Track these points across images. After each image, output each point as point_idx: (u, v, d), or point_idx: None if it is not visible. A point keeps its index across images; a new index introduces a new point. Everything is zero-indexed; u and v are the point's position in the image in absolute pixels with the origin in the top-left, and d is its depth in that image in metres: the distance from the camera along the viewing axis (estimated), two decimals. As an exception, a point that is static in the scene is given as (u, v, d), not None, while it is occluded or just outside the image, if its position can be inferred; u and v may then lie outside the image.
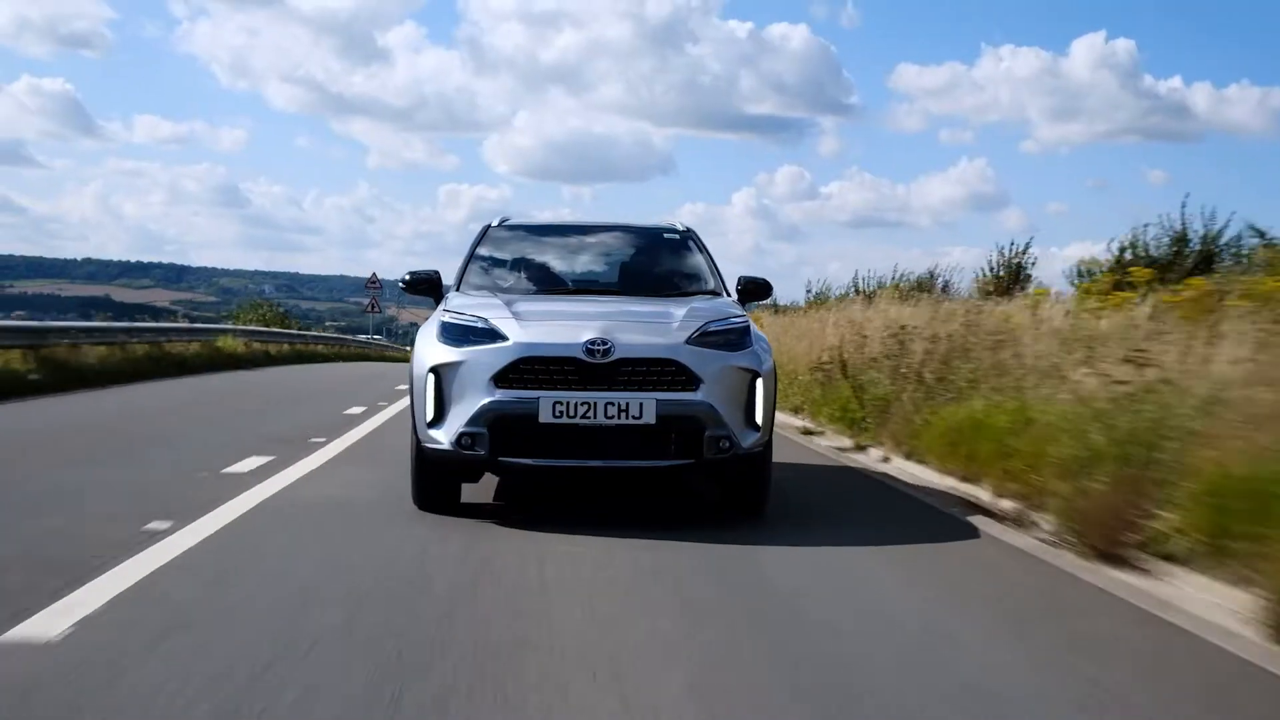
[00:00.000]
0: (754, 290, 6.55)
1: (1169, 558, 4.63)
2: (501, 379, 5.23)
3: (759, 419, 5.46)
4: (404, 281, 6.47)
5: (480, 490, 6.10)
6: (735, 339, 5.54)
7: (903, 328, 9.90)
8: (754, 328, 5.77)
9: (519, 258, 6.80)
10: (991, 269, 14.88)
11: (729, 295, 6.49)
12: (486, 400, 5.22)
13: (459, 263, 6.63)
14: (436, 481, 5.62)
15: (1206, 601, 4.18)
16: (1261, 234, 10.37)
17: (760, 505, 5.77)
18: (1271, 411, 4.75)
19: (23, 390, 12.23)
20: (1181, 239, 11.87)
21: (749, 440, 5.40)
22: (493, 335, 5.35)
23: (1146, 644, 3.76)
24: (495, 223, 7.02)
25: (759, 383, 5.48)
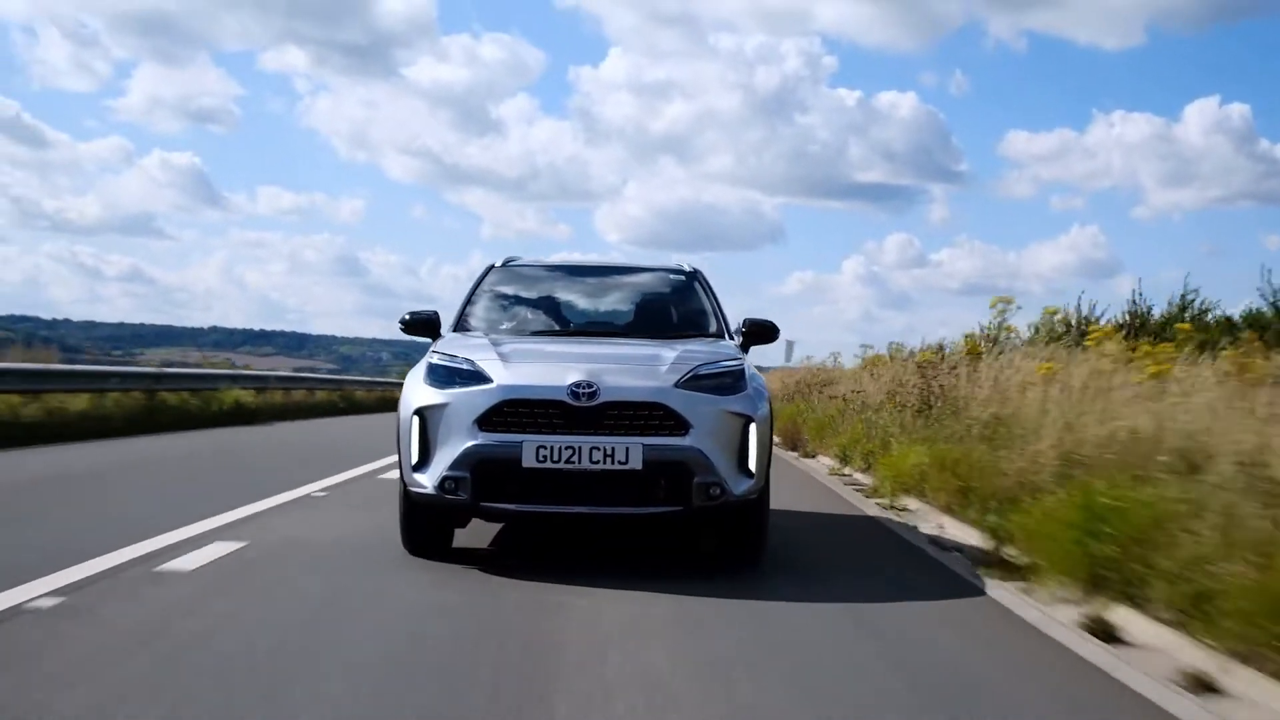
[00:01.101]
0: (759, 333, 6.37)
1: None
2: (485, 422, 5.11)
3: (752, 465, 5.27)
4: (403, 322, 6.38)
5: (478, 535, 5.98)
6: (729, 383, 5.37)
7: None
8: (750, 371, 5.61)
9: (518, 298, 6.70)
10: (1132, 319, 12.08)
11: (732, 338, 6.34)
12: (470, 444, 5.09)
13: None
14: (425, 526, 5.51)
15: None
16: None
17: (757, 555, 5.59)
18: None
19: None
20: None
21: (742, 487, 5.21)
22: (477, 377, 5.24)
23: None
24: (499, 263, 6.94)
25: (753, 428, 5.30)
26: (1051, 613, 4.73)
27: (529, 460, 5.01)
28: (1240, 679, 3.67)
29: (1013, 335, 10.66)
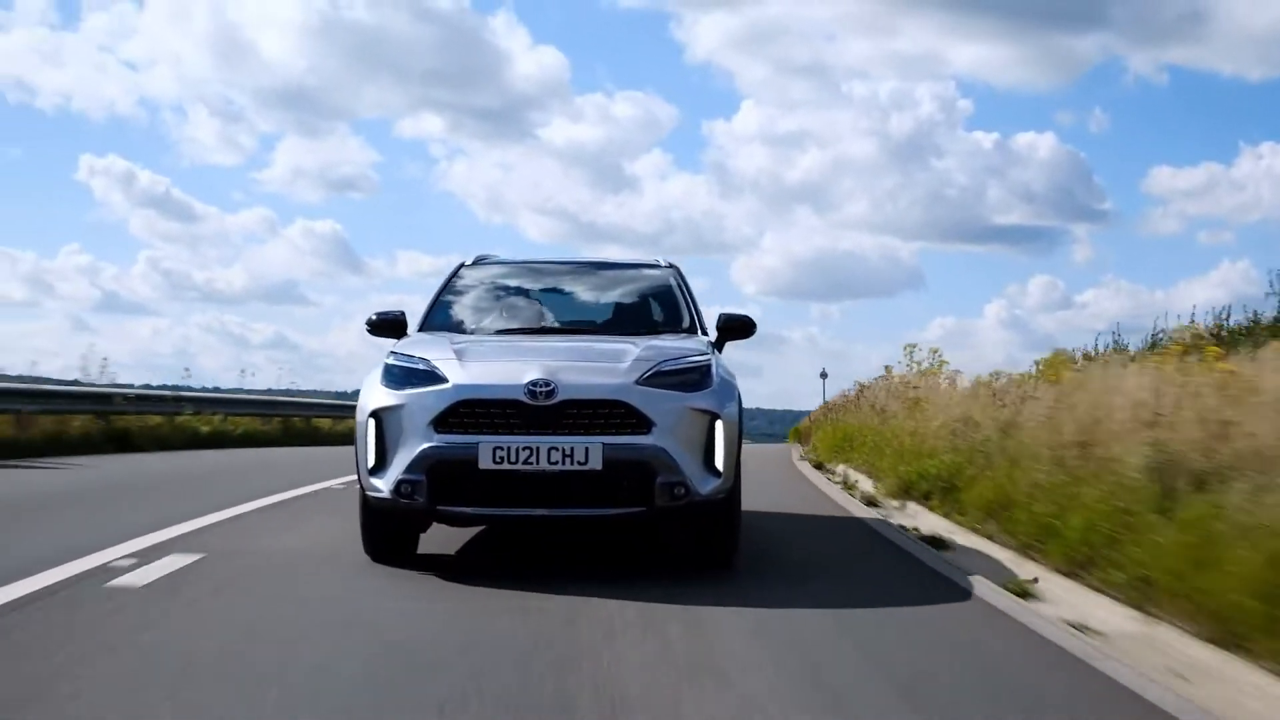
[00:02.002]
0: (735, 328, 6.20)
1: None
2: (441, 423, 4.95)
3: (719, 464, 5.09)
4: (369, 323, 6.21)
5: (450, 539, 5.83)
6: (694, 379, 5.19)
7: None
8: (718, 367, 5.42)
9: (487, 296, 6.53)
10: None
11: (705, 334, 6.16)
12: (425, 446, 4.94)
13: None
14: (384, 531, 5.36)
15: None
16: None
17: (728, 556, 5.41)
18: None
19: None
20: None
21: (708, 487, 5.03)
22: (433, 377, 5.08)
23: None
24: (469, 261, 6.78)
25: (719, 425, 5.11)
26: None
27: (486, 462, 4.85)
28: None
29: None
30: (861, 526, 7.65)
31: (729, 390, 5.33)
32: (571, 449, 4.85)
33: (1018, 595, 4.95)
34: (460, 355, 5.21)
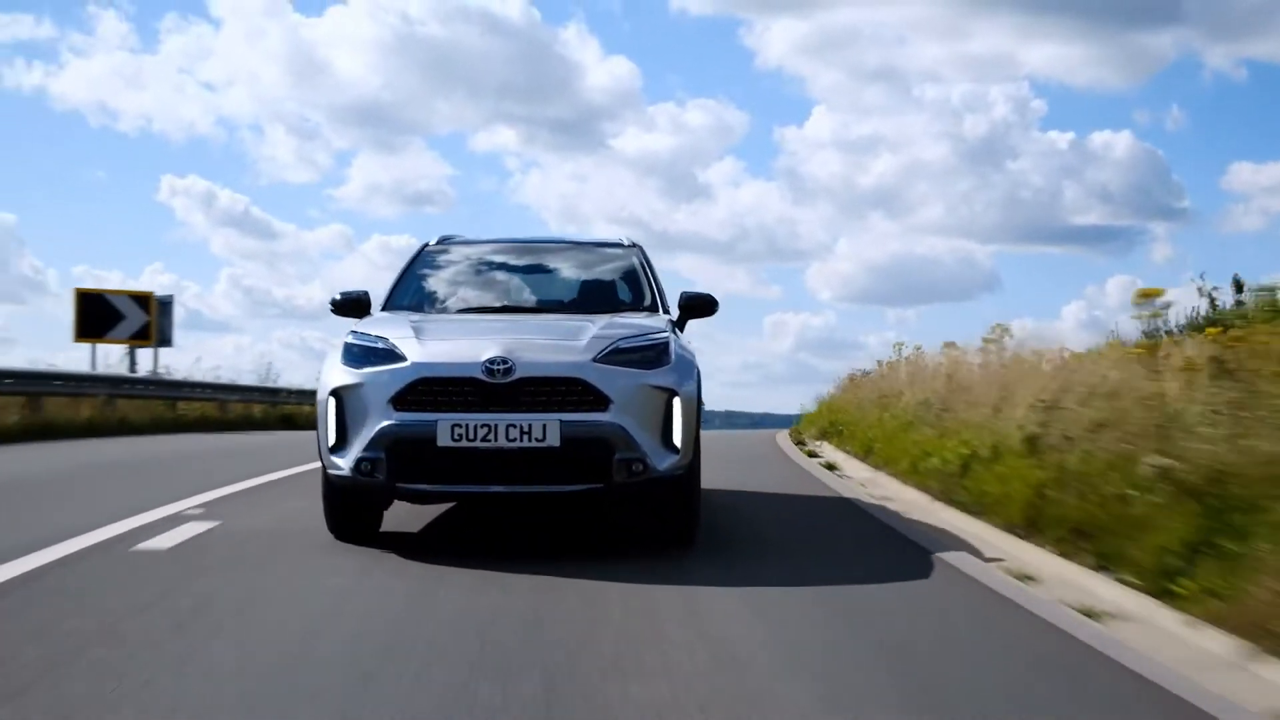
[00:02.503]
0: (696, 307, 6.25)
1: None
2: (400, 401, 4.98)
3: (677, 441, 5.14)
4: (333, 302, 6.23)
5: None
6: (652, 356, 5.22)
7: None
8: (678, 345, 5.46)
9: (448, 276, 6.55)
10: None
11: (667, 312, 6.20)
12: (384, 424, 4.97)
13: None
14: (346, 509, 5.40)
15: None
16: None
17: (689, 533, 5.45)
18: None
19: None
20: None
21: (666, 463, 5.07)
22: (392, 356, 5.10)
23: None
24: (433, 241, 6.80)
25: (677, 402, 5.15)
26: None
27: (444, 439, 4.88)
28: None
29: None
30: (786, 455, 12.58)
31: (687, 368, 5.37)
32: (529, 426, 4.89)
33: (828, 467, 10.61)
34: (419, 334, 5.24)
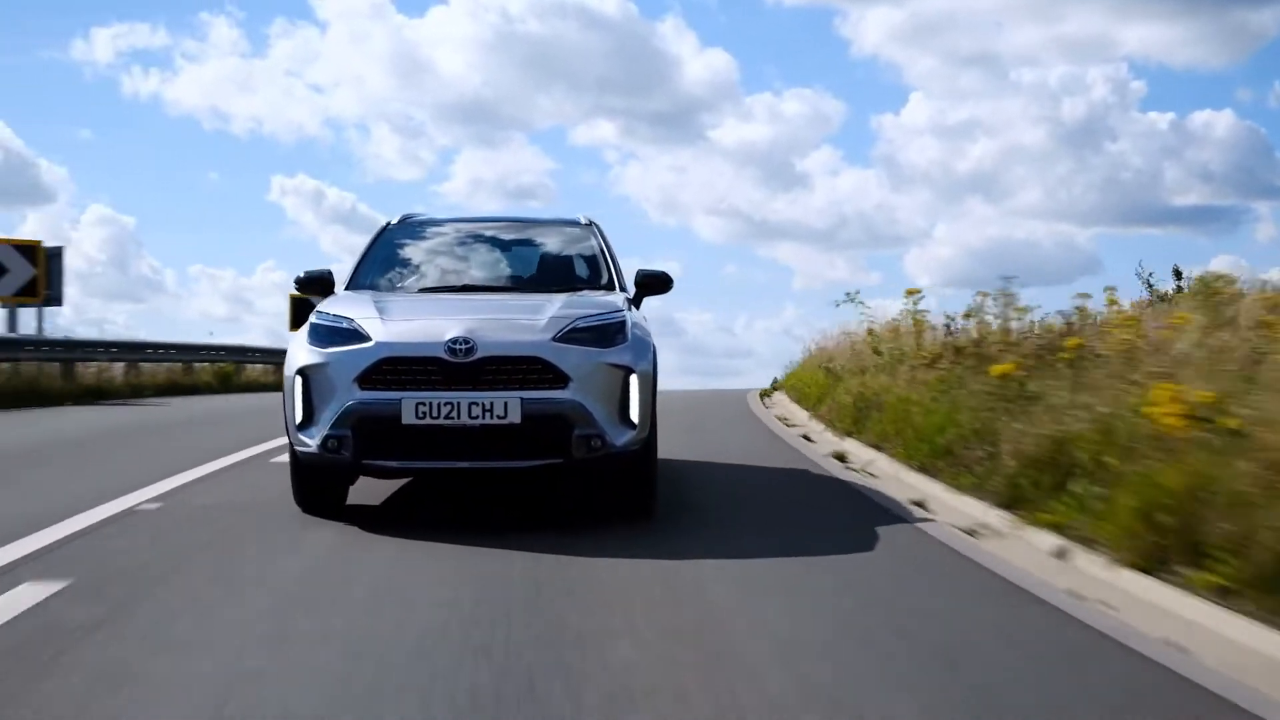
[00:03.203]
0: (652, 284, 6.43)
1: None
2: (365, 380, 5.14)
3: (634, 416, 5.34)
4: (297, 281, 6.35)
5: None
6: (609, 334, 5.40)
7: None
8: (634, 323, 5.64)
9: (410, 256, 6.68)
10: None
11: (624, 289, 6.37)
12: (350, 402, 5.13)
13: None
14: (314, 485, 5.56)
15: None
16: None
17: (647, 506, 5.65)
18: None
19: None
20: None
21: (623, 439, 5.28)
22: (357, 335, 5.26)
23: None
24: (395, 220, 6.92)
25: (634, 379, 5.35)
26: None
27: (409, 417, 5.05)
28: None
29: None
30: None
31: (644, 346, 5.56)
32: (491, 404, 5.07)
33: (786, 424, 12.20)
34: (382, 313, 5.39)
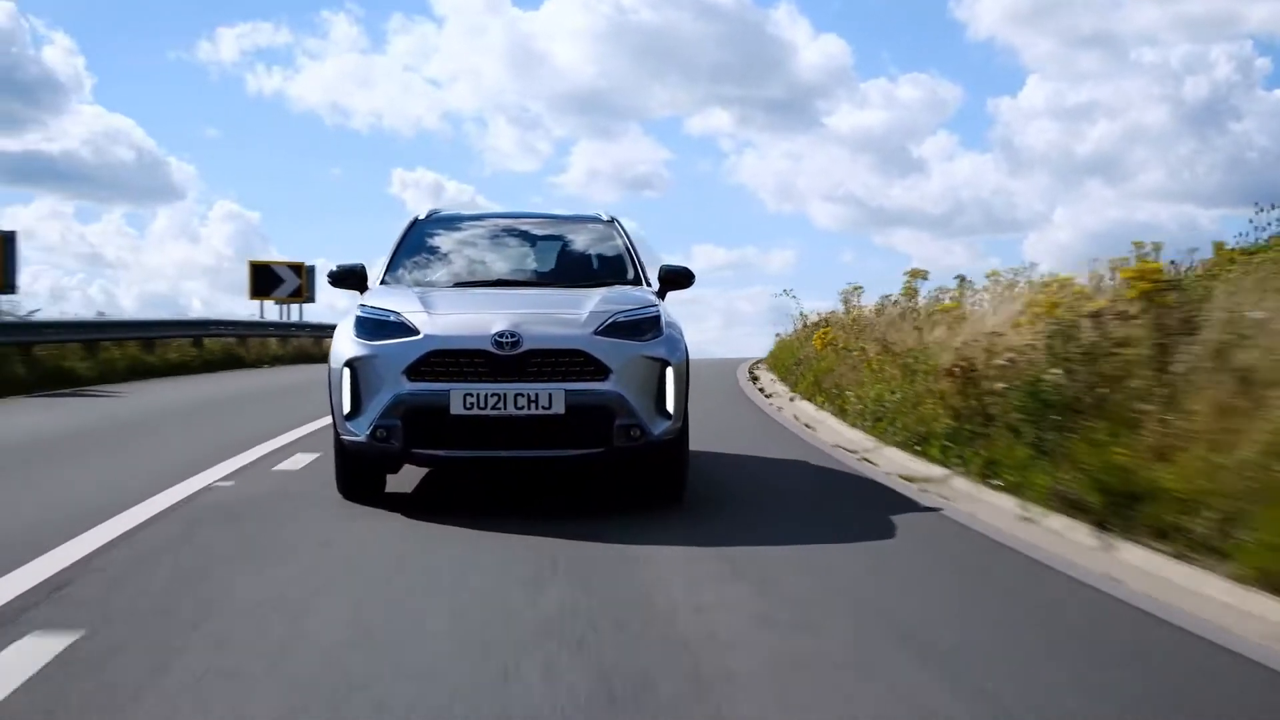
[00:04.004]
0: (675, 279, 6.63)
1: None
2: (413, 372, 5.33)
3: (670, 407, 5.56)
4: (331, 275, 6.53)
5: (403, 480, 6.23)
6: (646, 328, 5.63)
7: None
8: (667, 316, 5.86)
9: (443, 250, 6.85)
10: None
11: (649, 284, 6.58)
12: (399, 393, 5.32)
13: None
14: (357, 472, 5.73)
15: None
16: None
17: (678, 492, 5.87)
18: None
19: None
20: None
21: (660, 428, 5.51)
22: (404, 329, 5.44)
23: None
24: (423, 215, 7.09)
25: (669, 371, 5.57)
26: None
27: (457, 408, 5.25)
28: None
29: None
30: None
31: (676, 339, 5.78)
32: (536, 395, 5.27)
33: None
34: (427, 307, 5.57)
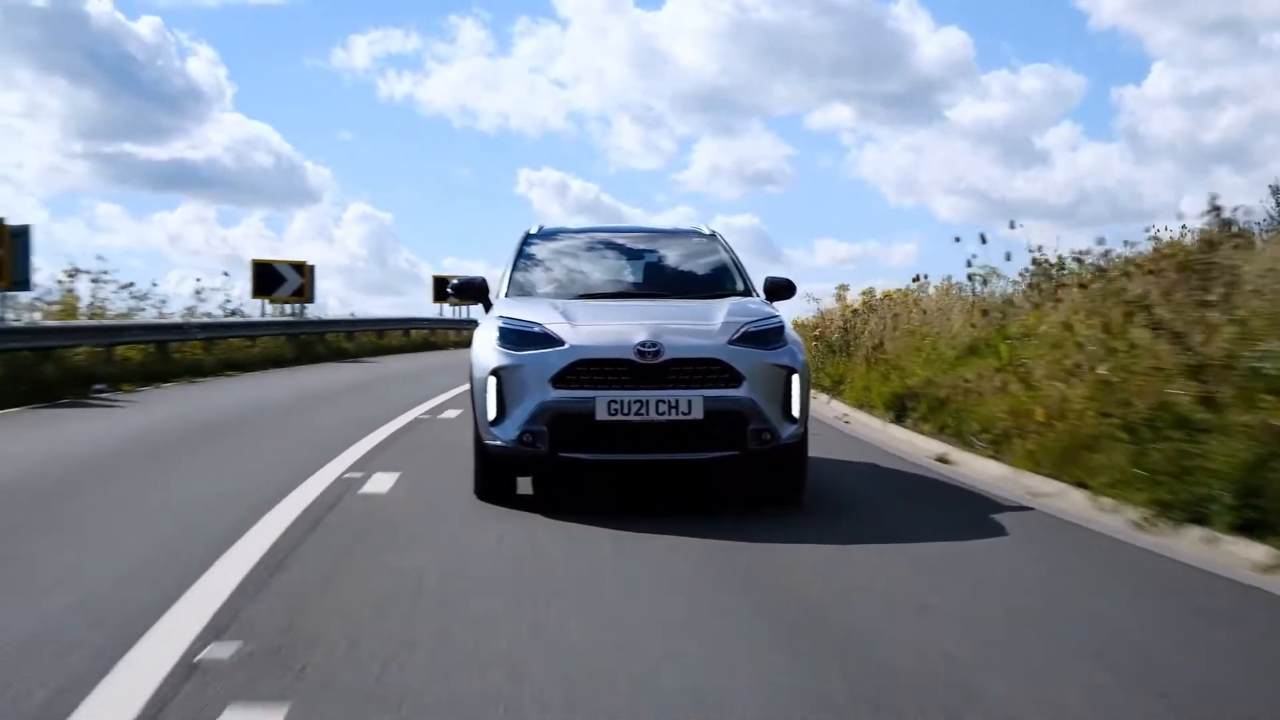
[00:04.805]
0: (780, 290, 6.95)
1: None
2: (559, 380, 5.64)
3: (795, 412, 5.88)
4: (453, 288, 6.86)
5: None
6: (772, 338, 5.95)
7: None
8: (788, 327, 6.19)
9: (561, 263, 7.17)
10: None
11: (757, 295, 6.89)
12: (545, 400, 5.63)
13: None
14: (497, 475, 6.03)
15: None
16: None
17: (798, 494, 6.16)
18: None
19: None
20: None
21: (787, 432, 5.83)
22: (549, 339, 5.75)
23: None
24: (534, 230, 7.39)
25: (795, 378, 5.90)
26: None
27: (602, 414, 5.56)
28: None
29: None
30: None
31: (798, 347, 6.12)
32: (676, 401, 5.59)
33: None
34: (570, 320, 5.88)
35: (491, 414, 5.79)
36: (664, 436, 5.63)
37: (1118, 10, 56.86)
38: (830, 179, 64.33)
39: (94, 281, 17.15)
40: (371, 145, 64.78)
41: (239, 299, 21.70)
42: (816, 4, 58.50)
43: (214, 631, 3.57)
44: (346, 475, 6.77)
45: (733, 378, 5.71)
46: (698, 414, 5.60)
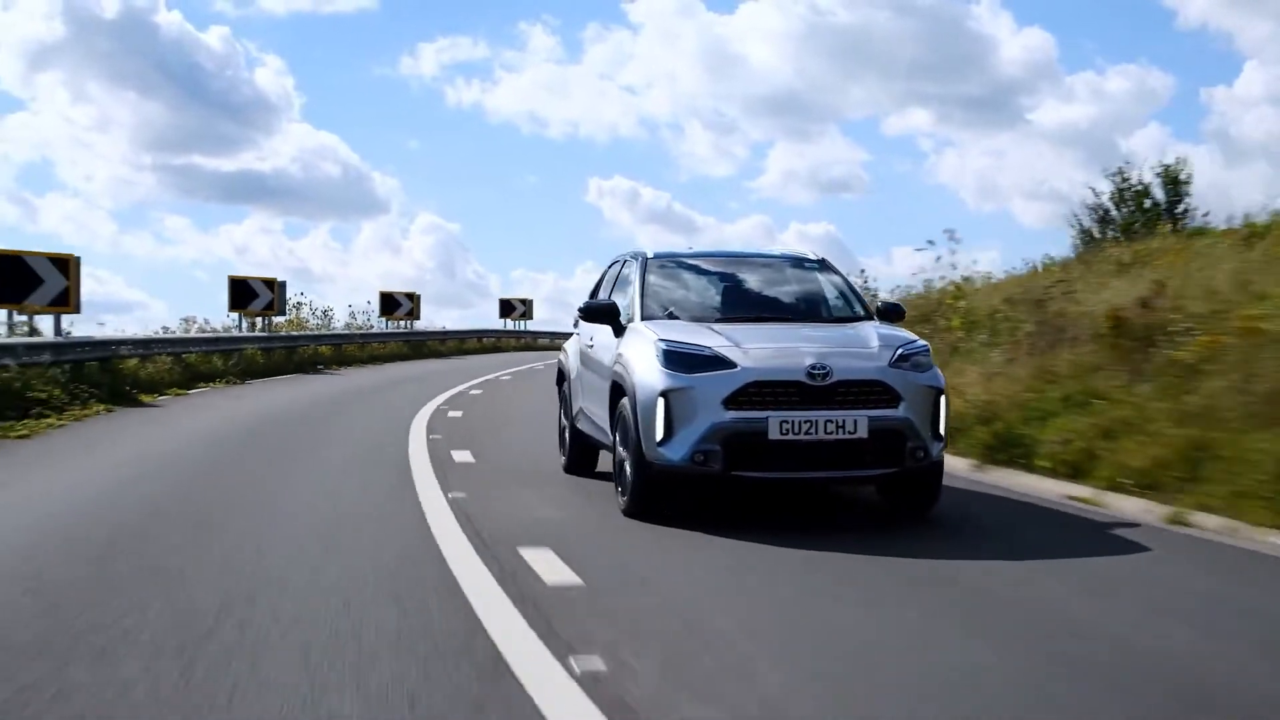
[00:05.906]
0: (891, 314, 7.25)
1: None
2: (732, 401, 5.89)
3: (942, 430, 6.23)
4: (583, 311, 7.07)
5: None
6: (923, 361, 6.30)
7: None
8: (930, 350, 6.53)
9: (686, 286, 7.37)
10: None
11: (874, 318, 7.18)
12: (719, 420, 5.88)
13: (630, 291, 7.25)
14: (658, 494, 6.21)
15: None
16: None
17: (931, 507, 6.49)
18: None
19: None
20: None
21: (936, 450, 6.17)
22: (719, 362, 5.99)
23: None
24: (650, 255, 7.57)
25: (942, 399, 6.24)
26: None
27: (774, 433, 5.83)
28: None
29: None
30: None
31: (939, 369, 6.46)
32: (843, 420, 5.88)
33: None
34: (736, 344, 6.13)
35: (659, 434, 6.00)
36: (831, 455, 5.91)
37: (1206, 7, 54.04)
38: (908, 184, 62.81)
39: (296, 306, 26.72)
40: (439, 154, 65.15)
41: (365, 312, 29.83)
42: (894, 4, 57.06)
43: (430, 432, 9.51)
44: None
45: (893, 398, 6.02)
46: (862, 433, 5.90)
